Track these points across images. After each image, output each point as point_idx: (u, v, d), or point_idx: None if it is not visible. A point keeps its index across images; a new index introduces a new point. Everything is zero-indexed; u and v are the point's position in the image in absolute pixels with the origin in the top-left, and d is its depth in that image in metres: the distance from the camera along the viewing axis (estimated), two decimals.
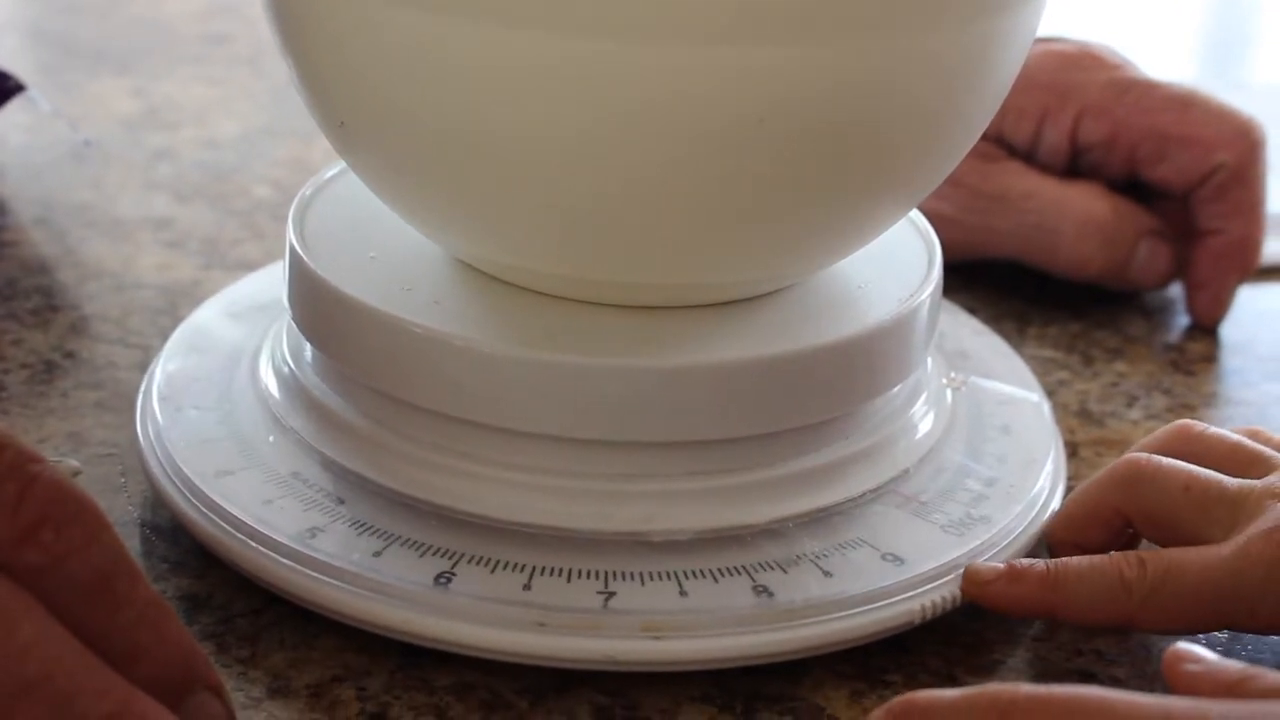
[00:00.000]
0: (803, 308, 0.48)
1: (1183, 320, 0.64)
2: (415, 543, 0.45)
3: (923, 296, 0.49)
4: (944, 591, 0.46)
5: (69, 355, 0.57)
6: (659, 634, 0.43)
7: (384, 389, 0.47)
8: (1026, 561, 0.46)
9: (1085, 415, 0.57)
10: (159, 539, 0.48)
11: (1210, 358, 0.62)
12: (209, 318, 0.55)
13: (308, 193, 0.52)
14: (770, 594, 0.44)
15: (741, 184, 0.44)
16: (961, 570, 0.46)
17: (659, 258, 0.46)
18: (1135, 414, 0.57)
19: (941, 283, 0.50)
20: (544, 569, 0.44)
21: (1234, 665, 0.39)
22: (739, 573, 0.45)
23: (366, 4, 0.43)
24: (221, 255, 0.64)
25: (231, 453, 0.48)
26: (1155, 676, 0.46)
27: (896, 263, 0.50)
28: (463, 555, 0.45)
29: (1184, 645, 0.39)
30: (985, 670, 0.46)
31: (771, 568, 0.45)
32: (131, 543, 0.48)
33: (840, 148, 0.44)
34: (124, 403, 0.53)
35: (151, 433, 0.49)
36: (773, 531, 0.46)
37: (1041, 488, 0.50)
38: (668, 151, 0.43)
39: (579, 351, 0.45)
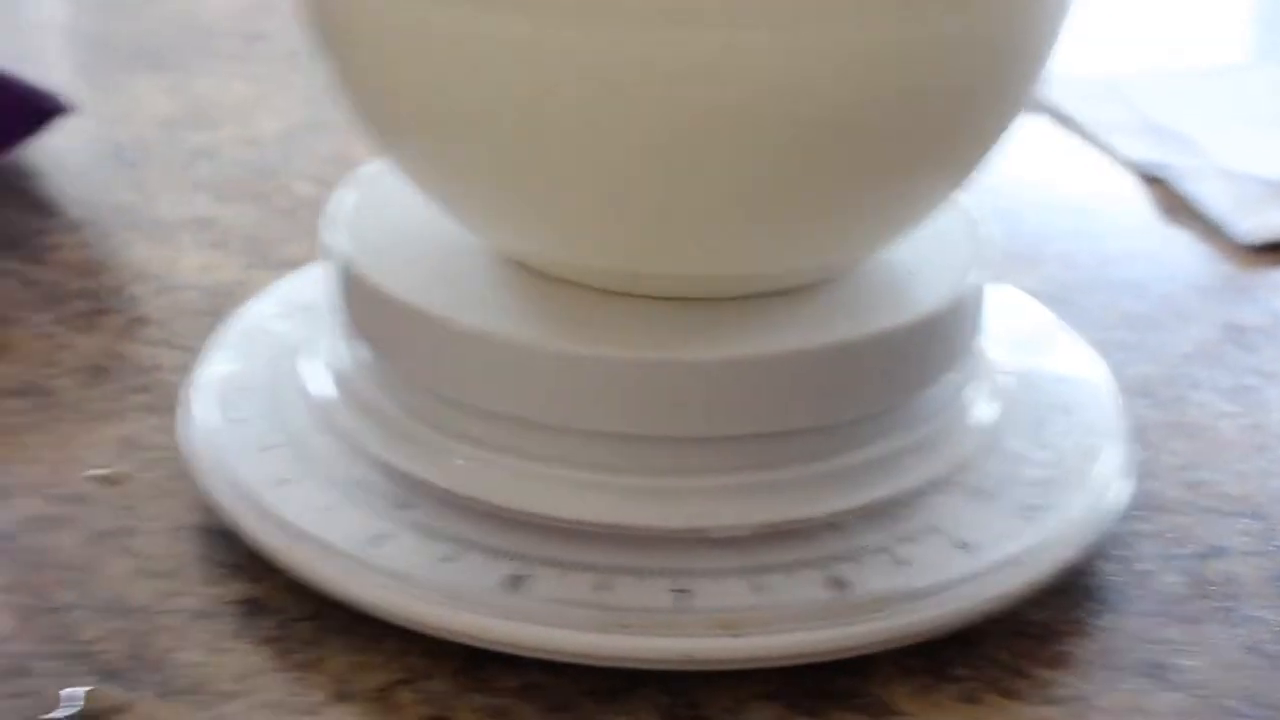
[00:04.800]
0: (853, 296, 0.48)
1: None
2: (484, 546, 0.44)
3: (974, 280, 0.48)
4: (1021, 577, 0.45)
5: (117, 359, 0.57)
6: (736, 631, 0.43)
7: (433, 388, 0.46)
8: None
9: (1148, 395, 0.56)
10: (214, 544, 0.48)
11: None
12: (253, 318, 0.54)
13: (348, 189, 0.51)
14: (846, 586, 0.44)
15: (785, 171, 0.43)
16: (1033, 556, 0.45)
17: (708, 249, 0.46)
18: (1203, 395, 0.57)
19: (992, 265, 0.49)
20: (616, 569, 0.44)
21: None
22: (811, 566, 0.44)
23: (408, 2, 0.42)
24: (265, 254, 0.64)
25: (286, 458, 0.47)
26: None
27: (945, 247, 0.50)
28: (534, 557, 0.44)
29: None
30: (1053, 662, 0.45)
31: (843, 560, 0.44)
32: (186, 547, 0.48)
33: (883, 130, 0.43)
34: (173, 405, 0.53)
35: (200, 437, 0.49)
36: (835, 525, 0.45)
37: (1106, 470, 0.49)
38: (712, 142, 0.42)
39: (628, 346, 0.45)
